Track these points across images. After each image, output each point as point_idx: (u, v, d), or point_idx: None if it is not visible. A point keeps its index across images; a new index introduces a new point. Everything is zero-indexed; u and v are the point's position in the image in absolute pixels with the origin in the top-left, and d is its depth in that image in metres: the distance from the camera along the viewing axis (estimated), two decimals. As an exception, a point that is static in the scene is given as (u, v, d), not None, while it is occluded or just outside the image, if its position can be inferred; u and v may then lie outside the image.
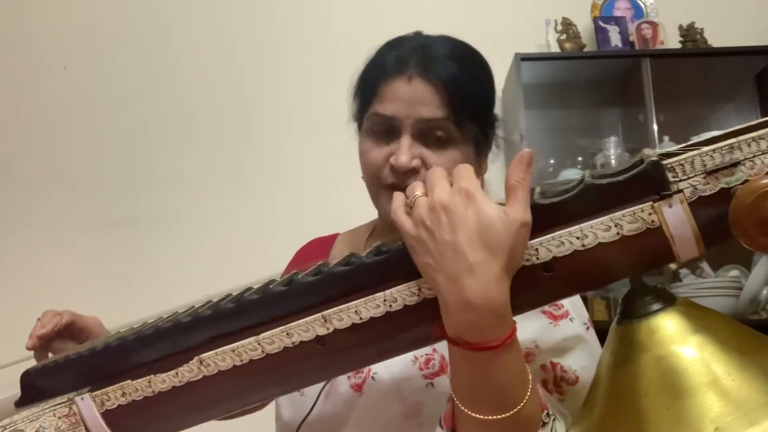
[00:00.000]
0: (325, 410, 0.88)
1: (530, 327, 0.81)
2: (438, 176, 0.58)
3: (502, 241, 0.53)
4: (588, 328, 0.89)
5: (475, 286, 0.53)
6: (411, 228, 0.57)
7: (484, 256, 0.53)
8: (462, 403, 0.59)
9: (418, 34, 0.94)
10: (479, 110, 0.89)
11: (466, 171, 0.57)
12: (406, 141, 0.85)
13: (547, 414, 0.63)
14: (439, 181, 0.57)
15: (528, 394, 0.59)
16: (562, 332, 0.83)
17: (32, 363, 0.87)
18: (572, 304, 0.87)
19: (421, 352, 0.84)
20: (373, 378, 0.86)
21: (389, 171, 0.87)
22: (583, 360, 0.82)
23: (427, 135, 0.86)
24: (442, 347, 0.66)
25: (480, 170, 0.95)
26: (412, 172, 0.85)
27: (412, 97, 0.86)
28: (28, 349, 0.91)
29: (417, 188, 0.59)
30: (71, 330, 0.93)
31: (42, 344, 0.90)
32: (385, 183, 0.88)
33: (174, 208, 2.64)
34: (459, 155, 0.87)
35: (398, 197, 0.60)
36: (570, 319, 0.84)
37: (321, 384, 0.88)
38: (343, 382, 0.88)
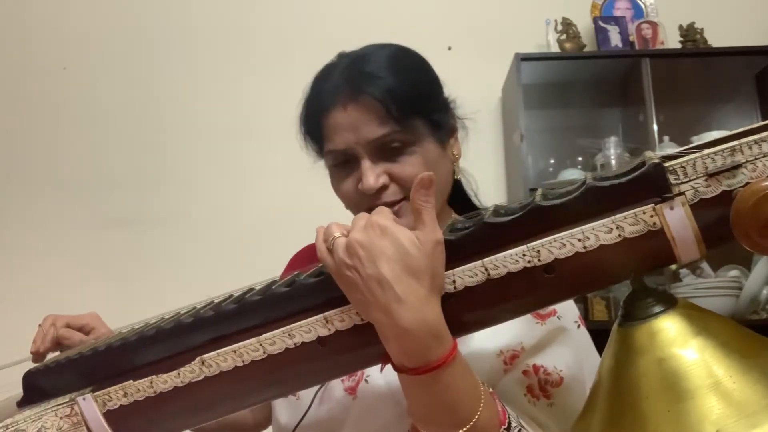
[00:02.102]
0: (321, 414, 0.88)
1: (515, 327, 0.80)
2: (357, 217, 0.61)
3: (421, 264, 0.57)
4: (579, 326, 0.89)
5: (406, 312, 0.56)
6: (336, 269, 0.59)
7: (408, 283, 0.56)
8: (417, 424, 0.62)
9: (341, 55, 0.94)
10: (422, 106, 0.88)
11: (380, 210, 0.61)
12: (366, 164, 0.86)
13: (508, 427, 0.65)
14: (356, 221, 0.60)
15: (480, 407, 0.61)
16: (546, 330, 0.83)
17: (32, 364, 0.88)
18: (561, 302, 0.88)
19: None
20: (366, 381, 0.86)
21: (361, 197, 0.87)
22: (567, 357, 0.82)
23: (383, 150, 0.86)
24: None
25: (452, 156, 0.94)
26: (382, 190, 0.86)
27: (353, 123, 0.86)
28: (33, 352, 0.91)
29: (335, 230, 0.61)
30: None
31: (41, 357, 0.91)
32: (364, 208, 0.89)
33: (174, 208, 2.64)
34: (420, 157, 0.87)
35: (319, 235, 0.63)
36: (557, 317, 0.84)
37: (316, 387, 0.88)
38: (337, 386, 0.88)
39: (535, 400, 0.79)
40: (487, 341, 0.80)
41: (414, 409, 0.63)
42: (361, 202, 0.88)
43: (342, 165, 0.89)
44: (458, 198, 0.97)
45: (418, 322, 0.56)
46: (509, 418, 0.66)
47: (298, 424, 0.89)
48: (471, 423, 0.60)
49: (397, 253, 0.57)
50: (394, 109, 0.85)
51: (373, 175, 0.85)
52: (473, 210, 0.68)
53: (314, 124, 0.91)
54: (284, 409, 0.94)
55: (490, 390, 0.67)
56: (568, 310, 0.88)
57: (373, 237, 0.58)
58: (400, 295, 0.56)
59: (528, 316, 0.83)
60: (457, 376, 0.59)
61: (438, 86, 0.94)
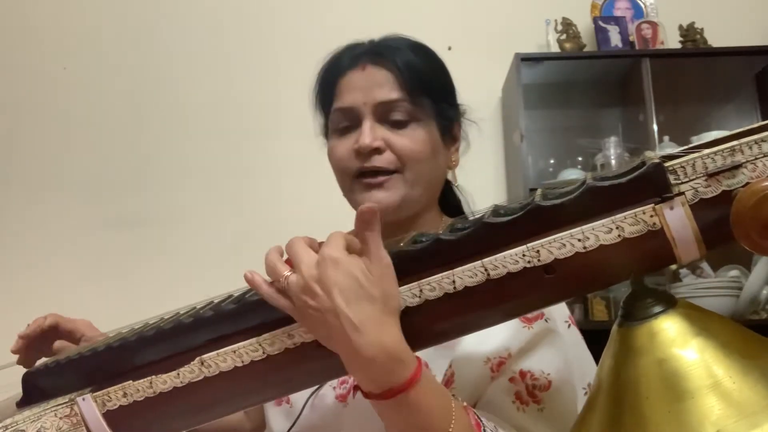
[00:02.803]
0: (312, 421, 0.88)
1: (503, 333, 0.80)
2: (298, 249, 0.61)
3: (372, 290, 0.58)
4: (569, 326, 0.89)
5: (366, 340, 0.57)
6: (294, 310, 0.60)
7: (362, 310, 0.57)
8: None
9: (370, 39, 0.96)
10: (436, 91, 0.91)
11: (331, 240, 0.61)
12: (367, 124, 0.87)
13: None
14: (302, 255, 0.60)
15: (452, 424, 0.61)
16: (533, 333, 0.82)
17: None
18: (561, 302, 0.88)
19: None
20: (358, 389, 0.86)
21: (354, 158, 0.88)
22: (556, 360, 0.81)
23: (388, 117, 0.88)
24: (424, 354, 0.68)
25: (449, 161, 0.95)
26: (376, 152, 0.87)
27: (368, 83, 0.88)
28: (12, 351, 0.90)
29: (281, 269, 0.61)
30: (59, 331, 0.92)
31: (25, 347, 0.90)
32: (353, 172, 0.89)
33: (174, 208, 2.64)
34: (422, 134, 0.88)
35: (261, 281, 0.62)
36: (545, 320, 0.83)
37: (308, 394, 0.89)
38: (329, 393, 0.88)
39: (524, 407, 0.78)
40: (474, 348, 0.80)
41: (388, 429, 0.63)
42: (353, 164, 0.88)
43: (343, 129, 0.90)
44: (453, 210, 0.99)
45: (377, 349, 0.57)
46: (484, 429, 0.66)
47: (289, 431, 0.89)
48: None
49: (349, 283, 0.58)
50: (409, 80, 0.87)
51: (371, 135, 0.86)
52: None
53: (328, 86, 0.93)
54: (277, 416, 0.94)
55: (464, 404, 0.67)
56: (556, 310, 0.88)
57: (326, 270, 0.58)
58: (356, 324, 0.57)
59: (515, 321, 0.82)
60: (424, 395, 0.60)
61: (452, 86, 0.97)
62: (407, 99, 0.87)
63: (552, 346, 0.82)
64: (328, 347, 0.60)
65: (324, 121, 0.96)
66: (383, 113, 0.87)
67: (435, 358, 0.78)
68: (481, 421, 0.67)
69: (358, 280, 0.58)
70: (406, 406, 0.59)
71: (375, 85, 0.88)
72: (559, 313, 0.88)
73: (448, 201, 0.99)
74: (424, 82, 0.89)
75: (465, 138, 0.98)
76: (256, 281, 0.62)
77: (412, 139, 0.87)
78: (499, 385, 0.79)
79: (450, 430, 0.61)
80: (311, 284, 0.58)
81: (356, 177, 0.89)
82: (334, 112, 0.91)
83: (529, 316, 0.82)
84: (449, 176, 0.98)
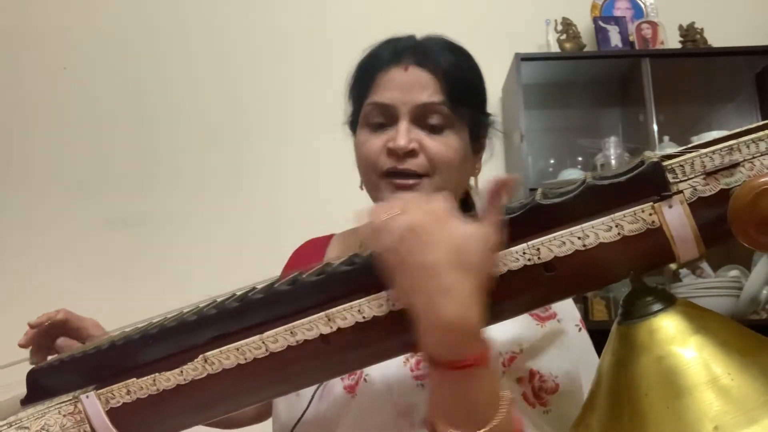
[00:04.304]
0: (320, 411, 0.88)
1: (515, 328, 0.80)
2: (410, 201, 0.58)
3: (474, 260, 0.54)
4: (580, 329, 0.89)
5: (450, 306, 0.54)
6: (384, 249, 0.57)
7: (457, 277, 0.54)
8: (436, 418, 0.60)
9: (411, 36, 0.95)
10: (474, 100, 0.91)
11: (438, 196, 0.58)
12: (404, 125, 0.87)
13: None
14: (411, 204, 0.58)
15: (500, 412, 0.59)
16: (545, 332, 0.82)
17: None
18: (562, 305, 0.87)
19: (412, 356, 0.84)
20: (365, 380, 0.86)
21: (386, 157, 0.88)
22: (565, 362, 0.81)
23: (425, 120, 0.87)
24: None
25: (473, 168, 0.96)
26: (410, 155, 0.86)
27: (409, 83, 0.87)
28: (21, 345, 0.90)
29: (385, 210, 0.59)
30: (67, 328, 0.92)
31: (35, 338, 0.90)
32: (382, 170, 0.89)
33: (174, 208, 2.64)
34: (456, 141, 0.88)
35: (368, 214, 0.60)
36: (557, 320, 0.83)
37: (315, 385, 0.89)
38: (336, 384, 0.88)
39: (530, 408, 0.78)
40: None
41: (434, 401, 0.61)
42: (383, 162, 0.88)
43: (376, 123, 0.90)
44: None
45: (459, 318, 0.54)
46: (524, 428, 0.65)
47: (299, 421, 0.89)
48: (489, 426, 0.58)
49: (451, 245, 0.54)
50: (451, 86, 0.87)
51: (406, 136, 0.86)
52: None
53: (366, 77, 0.92)
54: (284, 406, 0.94)
55: (512, 396, 0.66)
56: (568, 312, 0.88)
57: (429, 223, 0.55)
58: (447, 287, 0.54)
59: (528, 318, 0.83)
60: (484, 378, 0.58)
61: (486, 93, 0.97)
62: (447, 104, 0.87)
63: (563, 349, 0.82)
64: (403, 300, 0.57)
65: (353, 112, 0.95)
66: (420, 116, 0.87)
67: None
68: (521, 419, 0.66)
69: (463, 246, 0.54)
70: (464, 383, 0.57)
71: (417, 87, 0.87)
72: (571, 315, 0.88)
73: (466, 206, 0.99)
74: (465, 88, 0.89)
75: (490, 146, 0.99)
76: (367, 215, 0.59)
77: (446, 145, 0.87)
78: (508, 382, 0.79)
79: (498, 417, 0.59)
80: (408, 231, 0.55)
81: (384, 175, 0.88)
82: (368, 105, 0.90)
83: (541, 314, 0.82)
84: (477, 182, 0.98)
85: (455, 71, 0.88)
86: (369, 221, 0.59)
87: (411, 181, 0.87)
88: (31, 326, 0.90)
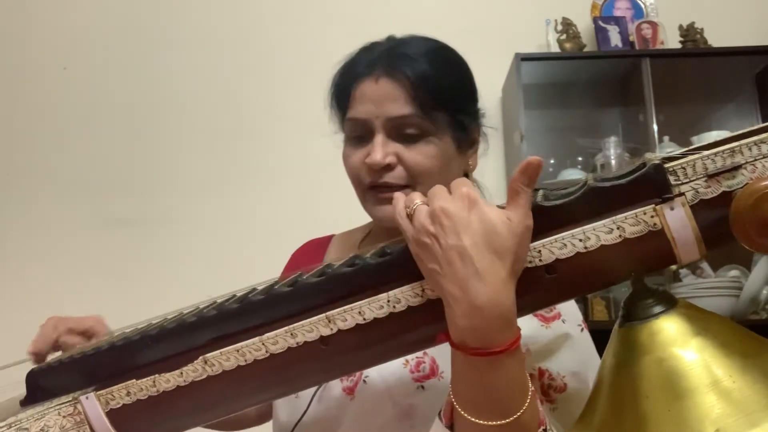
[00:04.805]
0: (319, 413, 0.88)
1: (522, 328, 0.79)
2: (438, 188, 0.58)
3: (507, 244, 0.54)
4: (582, 330, 0.89)
5: (483, 290, 0.53)
6: (414, 234, 0.57)
7: (490, 261, 0.53)
8: (461, 407, 0.59)
9: (390, 38, 0.94)
10: (451, 103, 0.89)
11: (464, 181, 0.58)
12: (379, 139, 0.86)
13: (545, 430, 0.62)
14: (439, 190, 0.58)
15: (527, 402, 0.58)
16: (552, 334, 0.82)
17: (33, 363, 0.88)
18: (565, 306, 0.87)
19: (413, 355, 0.84)
20: (364, 381, 0.86)
21: (366, 171, 0.88)
22: (572, 363, 0.81)
23: (400, 131, 0.87)
24: (434, 350, 0.66)
25: (466, 166, 0.95)
26: (387, 169, 0.86)
27: (381, 96, 0.87)
28: (30, 352, 0.90)
29: (416, 197, 0.59)
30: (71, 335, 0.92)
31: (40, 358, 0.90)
32: (365, 184, 0.89)
33: (174, 208, 2.64)
34: (434, 148, 0.87)
35: (399, 201, 0.60)
36: (562, 321, 0.84)
37: (316, 386, 0.89)
38: (336, 385, 0.88)
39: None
40: None
41: (460, 390, 0.60)
42: (364, 177, 0.88)
43: (357, 137, 0.90)
44: None
45: (492, 302, 0.54)
46: (547, 422, 0.65)
47: (298, 423, 0.89)
48: (515, 416, 0.57)
49: (484, 229, 0.54)
50: (422, 95, 0.86)
51: (382, 151, 0.86)
52: None
53: (344, 91, 0.92)
54: (284, 408, 0.94)
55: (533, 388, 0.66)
56: (571, 313, 0.88)
57: (460, 207, 0.55)
58: (480, 271, 0.53)
59: (533, 319, 0.82)
60: (513, 366, 0.57)
61: (471, 92, 0.96)
62: (419, 114, 0.86)
63: (570, 350, 0.82)
64: (434, 286, 0.57)
65: (340, 122, 0.95)
66: (395, 128, 0.87)
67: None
68: (544, 419, 0.66)
69: (495, 229, 0.54)
70: (493, 370, 0.56)
71: (387, 99, 0.86)
72: (574, 316, 0.88)
73: None
74: (439, 95, 0.87)
75: (484, 141, 0.98)
76: (398, 201, 0.60)
77: (424, 155, 0.86)
78: None
79: (524, 407, 0.58)
80: (440, 214, 0.55)
81: (369, 188, 0.89)
82: (347, 120, 0.91)
83: (546, 315, 0.82)
84: (471, 179, 0.97)
85: (426, 78, 0.87)
86: (401, 208, 0.59)
87: (393, 194, 0.86)
88: (32, 353, 0.89)
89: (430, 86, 0.86)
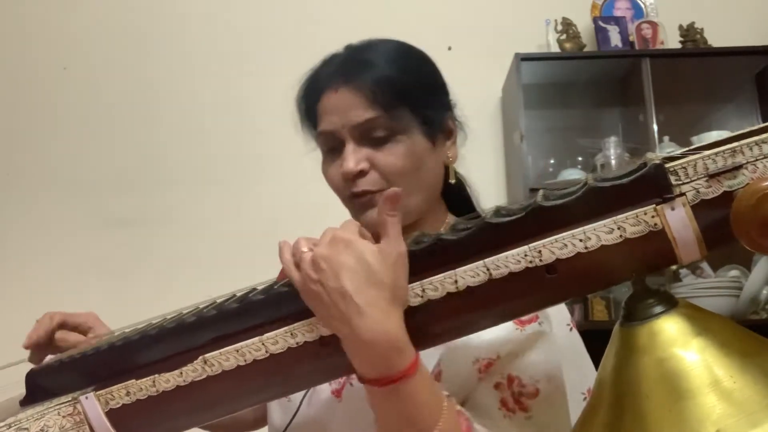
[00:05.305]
0: (309, 415, 0.88)
1: (494, 333, 0.78)
2: (324, 233, 0.63)
3: (381, 276, 0.59)
4: (571, 329, 0.88)
5: (367, 325, 0.58)
6: (301, 283, 0.61)
7: (369, 295, 0.58)
8: None
9: (347, 47, 0.94)
10: (414, 99, 0.88)
11: (346, 224, 0.64)
12: (349, 148, 0.87)
13: None
14: (323, 237, 0.63)
15: (442, 420, 0.62)
16: (525, 335, 0.80)
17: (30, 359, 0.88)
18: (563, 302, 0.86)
19: None
20: (351, 384, 0.86)
21: (343, 182, 0.88)
22: (546, 366, 0.79)
23: (369, 135, 0.87)
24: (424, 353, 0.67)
25: (445, 158, 0.93)
26: (360, 176, 0.86)
27: (342, 105, 0.87)
28: (25, 347, 0.91)
29: (302, 245, 0.63)
30: (65, 328, 0.92)
31: (37, 348, 0.90)
32: (346, 195, 0.90)
33: (174, 208, 2.64)
34: (405, 146, 0.87)
35: (285, 251, 0.64)
36: (539, 323, 0.81)
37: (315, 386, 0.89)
38: (324, 388, 0.88)
39: (510, 414, 0.77)
40: (463, 348, 0.78)
41: (378, 418, 0.64)
42: (344, 187, 0.89)
43: (331, 150, 0.90)
44: (461, 204, 0.97)
45: (378, 334, 0.58)
46: (472, 427, 0.66)
47: (288, 425, 0.89)
48: None
49: (359, 266, 0.59)
50: (381, 96, 0.85)
51: (353, 159, 0.86)
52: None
53: (310, 107, 0.93)
54: (277, 410, 0.94)
55: (458, 408, 0.68)
56: (557, 313, 0.86)
57: (336, 251, 0.60)
58: (361, 307, 0.58)
59: (508, 322, 0.81)
60: (417, 389, 0.60)
61: (436, 85, 0.95)
62: (383, 115, 0.86)
63: (543, 351, 0.80)
64: (328, 327, 0.61)
65: (314, 139, 0.95)
66: (362, 133, 0.87)
67: (423, 355, 0.79)
68: (471, 426, 0.67)
69: (369, 264, 0.59)
70: (397, 396, 0.60)
71: (349, 107, 0.86)
72: (561, 316, 0.88)
73: (453, 196, 0.98)
74: (399, 93, 0.87)
75: (461, 129, 0.97)
76: (282, 249, 0.64)
77: (395, 155, 0.86)
78: (486, 389, 0.78)
79: (438, 426, 0.61)
80: (319, 260, 0.60)
81: (350, 198, 0.89)
82: (318, 135, 0.91)
83: (522, 318, 0.80)
84: (452, 171, 0.95)
85: (385, 79, 0.87)
86: (287, 258, 0.63)
87: (375, 199, 0.86)
88: (28, 347, 0.90)
89: (389, 86, 0.86)
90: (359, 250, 0.60)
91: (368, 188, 0.86)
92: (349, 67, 0.89)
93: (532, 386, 0.78)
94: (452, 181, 0.94)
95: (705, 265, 2.32)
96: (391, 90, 0.86)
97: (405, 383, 0.59)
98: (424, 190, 0.89)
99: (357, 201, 0.88)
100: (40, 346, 0.89)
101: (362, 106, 0.86)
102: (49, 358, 0.88)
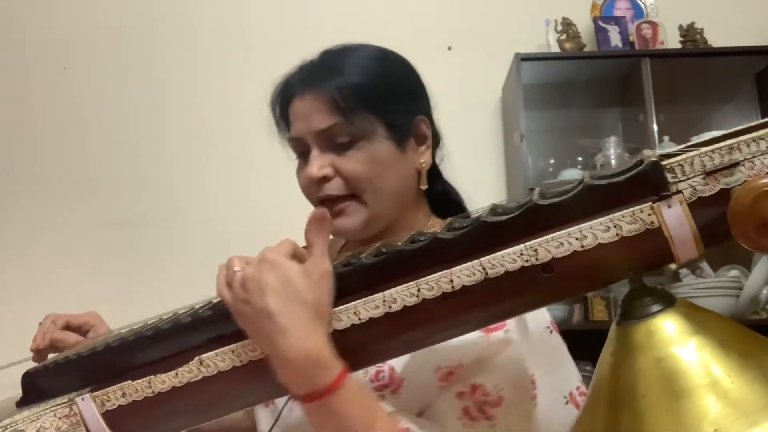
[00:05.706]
0: (291, 420, 0.88)
1: (458, 341, 0.74)
2: (263, 251, 0.64)
3: (303, 294, 0.61)
4: (551, 332, 0.87)
5: (288, 343, 0.59)
6: (233, 304, 0.63)
7: (292, 314, 0.60)
8: None
9: (323, 52, 0.94)
10: (377, 104, 0.88)
11: (280, 244, 0.65)
12: (314, 154, 0.87)
13: None
14: (257, 256, 0.64)
15: (380, 426, 0.63)
16: (489, 343, 0.78)
17: (32, 363, 0.88)
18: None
19: (372, 366, 0.82)
20: None
21: (311, 188, 0.89)
22: (510, 374, 0.78)
23: (332, 142, 0.87)
24: (393, 360, 0.67)
25: (417, 163, 0.92)
26: (325, 181, 0.87)
27: (307, 111, 0.88)
28: (33, 351, 0.93)
29: (235, 264, 0.65)
30: (69, 331, 0.93)
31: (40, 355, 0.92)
32: (313, 200, 0.90)
33: (174, 208, 2.64)
34: (368, 152, 0.86)
35: (221, 273, 0.66)
36: (504, 331, 0.79)
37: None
38: None
39: (472, 423, 0.76)
40: (426, 355, 0.76)
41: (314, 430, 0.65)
42: (311, 192, 0.89)
43: (302, 155, 0.91)
44: (448, 207, 0.96)
45: (299, 352, 0.59)
46: None
47: (271, 429, 0.89)
48: None
49: (282, 286, 0.61)
50: (344, 102, 0.85)
51: (316, 165, 0.86)
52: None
53: (283, 113, 0.94)
54: (264, 417, 0.94)
55: (403, 424, 0.69)
56: (535, 318, 0.85)
57: (263, 271, 0.61)
58: (283, 326, 0.59)
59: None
60: (344, 403, 0.61)
61: (405, 90, 0.93)
62: (344, 122, 0.85)
63: (508, 358, 0.79)
64: (256, 345, 0.62)
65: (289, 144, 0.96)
66: (325, 139, 0.87)
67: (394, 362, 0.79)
68: None
69: (293, 283, 0.61)
70: (325, 411, 0.61)
71: (312, 113, 0.87)
72: (540, 319, 0.86)
73: (438, 197, 0.97)
74: (363, 99, 0.86)
75: (439, 138, 0.96)
76: (220, 270, 0.66)
77: (358, 161, 0.86)
78: (447, 398, 0.77)
79: None
80: (247, 281, 0.61)
81: (318, 203, 0.89)
82: (289, 140, 0.92)
83: (490, 326, 0.78)
84: (423, 176, 0.93)
85: (347, 85, 0.86)
86: (221, 281, 0.65)
87: (340, 206, 0.87)
88: (36, 351, 0.93)
89: (352, 92, 0.86)
90: (285, 269, 0.61)
91: (333, 193, 0.87)
92: (316, 73, 0.90)
93: (496, 394, 0.77)
94: (423, 186, 0.93)
95: (705, 265, 2.32)
96: (354, 96, 0.86)
97: (330, 398, 0.60)
98: (393, 193, 0.89)
99: (324, 206, 0.87)
100: (43, 351, 0.90)
101: (324, 112, 0.86)
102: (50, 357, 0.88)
